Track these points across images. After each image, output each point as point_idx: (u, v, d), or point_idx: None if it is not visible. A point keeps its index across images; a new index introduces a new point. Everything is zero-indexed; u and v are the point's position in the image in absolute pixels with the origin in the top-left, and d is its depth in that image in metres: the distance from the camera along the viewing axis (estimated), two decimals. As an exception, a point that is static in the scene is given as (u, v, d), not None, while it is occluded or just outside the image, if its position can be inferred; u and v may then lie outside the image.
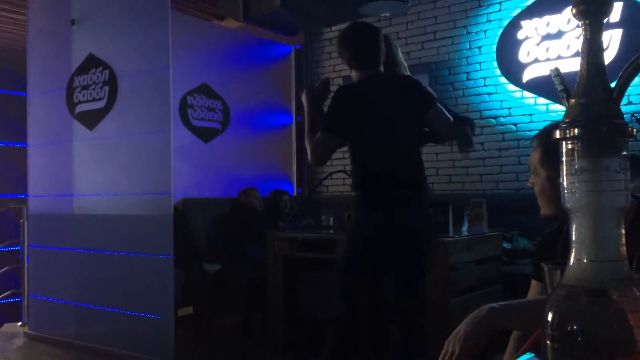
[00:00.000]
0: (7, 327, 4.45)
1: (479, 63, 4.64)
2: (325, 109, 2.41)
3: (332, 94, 2.39)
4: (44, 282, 4.23)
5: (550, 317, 0.56)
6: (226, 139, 5.03)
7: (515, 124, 4.47)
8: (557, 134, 0.56)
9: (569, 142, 0.56)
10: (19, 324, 4.43)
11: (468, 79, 4.70)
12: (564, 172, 0.56)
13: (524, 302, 0.83)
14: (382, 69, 2.39)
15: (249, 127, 5.29)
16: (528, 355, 0.74)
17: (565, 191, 0.56)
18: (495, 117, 4.55)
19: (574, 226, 0.56)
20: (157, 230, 3.54)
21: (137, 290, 3.63)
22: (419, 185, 2.33)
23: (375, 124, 2.29)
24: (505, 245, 3.64)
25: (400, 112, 2.32)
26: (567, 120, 0.57)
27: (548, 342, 0.56)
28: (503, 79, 4.50)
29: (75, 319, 3.96)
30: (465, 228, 3.28)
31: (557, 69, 0.62)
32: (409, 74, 2.60)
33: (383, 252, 2.25)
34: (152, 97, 3.62)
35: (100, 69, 3.85)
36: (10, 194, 5.30)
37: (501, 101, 4.52)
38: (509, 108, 4.49)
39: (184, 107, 4.75)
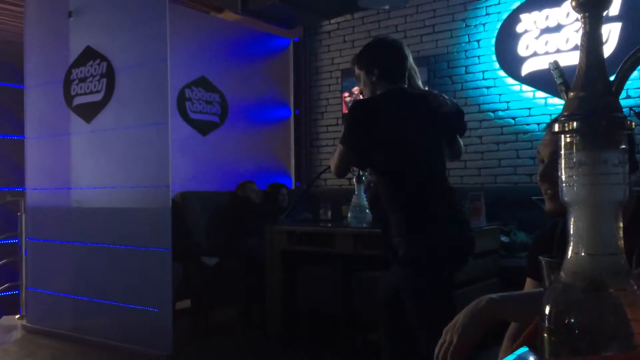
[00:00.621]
0: (5, 319, 4.46)
1: (478, 56, 4.63)
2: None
3: (352, 109, 2.32)
4: (42, 275, 4.23)
5: (547, 310, 0.56)
6: (224, 132, 5.03)
7: (513, 118, 4.47)
8: (556, 127, 0.56)
9: (568, 136, 0.56)
10: (17, 316, 4.44)
11: (467, 72, 4.69)
12: (562, 165, 0.56)
13: (522, 293, 0.83)
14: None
15: (247, 120, 5.28)
16: (523, 349, 0.74)
17: (564, 185, 0.56)
18: (493, 111, 4.55)
19: (572, 220, 0.56)
20: (155, 223, 3.54)
21: (136, 284, 3.64)
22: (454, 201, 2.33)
23: (405, 141, 2.22)
24: (503, 238, 3.65)
25: (433, 132, 2.27)
26: (565, 113, 0.57)
27: (545, 335, 0.56)
28: (502, 73, 4.49)
29: (73, 312, 3.97)
30: (463, 222, 3.28)
31: (556, 62, 0.62)
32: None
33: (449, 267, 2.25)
34: (150, 89, 3.62)
35: (97, 61, 3.84)
36: (7, 187, 5.29)
37: (500, 94, 4.52)
38: (508, 102, 4.49)
39: (182, 100, 4.73)
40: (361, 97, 2.43)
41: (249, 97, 5.28)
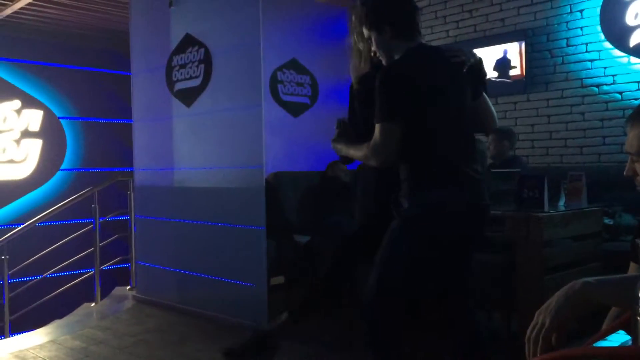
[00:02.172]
0: (118, 290, 4.86)
1: (581, 28, 4.35)
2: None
3: (381, 77, 2.02)
4: (150, 249, 4.56)
5: None
6: (315, 113, 5.10)
7: (620, 92, 4.17)
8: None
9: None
10: (128, 287, 4.82)
11: (568, 45, 4.43)
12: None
13: (619, 277, 0.80)
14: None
15: (337, 101, 5.31)
16: (618, 333, 0.73)
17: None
18: (597, 85, 4.27)
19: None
20: (250, 202, 3.69)
21: (233, 259, 3.83)
22: (478, 166, 2.15)
23: (441, 100, 2.03)
24: (607, 221, 3.45)
25: (461, 87, 2.08)
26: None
27: (638, 318, 0.55)
28: (607, 44, 4.19)
29: (177, 284, 4.25)
30: (562, 203, 3.13)
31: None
32: None
33: (467, 229, 2.07)
34: (244, 73, 3.74)
35: (196, 47, 4.02)
36: (117, 168, 5.71)
37: (605, 68, 4.23)
38: (614, 75, 4.19)
39: (274, 82, 4.86)
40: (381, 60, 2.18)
41: (339, 77, 5.30)
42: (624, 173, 1.27)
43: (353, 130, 2.46)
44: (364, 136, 2.14)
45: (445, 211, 1.98)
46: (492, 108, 2.21)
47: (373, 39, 2.14)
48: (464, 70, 2.06)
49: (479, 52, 4.78)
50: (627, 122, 1.18)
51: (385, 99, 1.98)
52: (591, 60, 4.30)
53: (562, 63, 4.45)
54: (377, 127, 1.99)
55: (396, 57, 2.08)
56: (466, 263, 2.15)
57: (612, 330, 0.81)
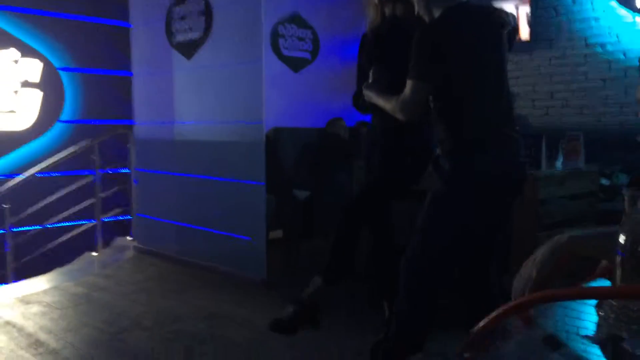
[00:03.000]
0: (119, 240, 4.94)
1: (588, -15, 4.28)
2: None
3: (418, 35, 2.00)
4: (149, 202, 4.61)
5: (622, 239, 0.58)
6: (315, 69, 5.06)
7: (624, 52, 4.14)
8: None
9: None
10: (129, 238, 4.89)
11: (574, 3, 4.36)
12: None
13: (605, 230, 0.83)
14: None
15: (339, 57, 5.26)
16: (601, 280, 0.76)
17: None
18: (602, 45, 4.23)
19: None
20: (250, 157, 3.71)
21: (232, 213, 3.88)
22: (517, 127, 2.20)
23: (480, 61, 2.03)
24: (604, 181, 3.49)
25: (500, 48, 2.07)
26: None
27: (619, 263, 0.58)
28: (613, 3, 4.14)
29: (176, 236, 4.31)
30: (559, 162, 3.16)
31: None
32: None
33: (505, 193, 2.09)
34: (245, 27, 3.70)
35: (196, -1, 3.96)
36: (117, 120, 5.70)
37: (609, 27, 4.18)
38: (618, 34, 4.15)
39: (275, 36, 4.80)
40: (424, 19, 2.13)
41: (341, 33, 5.24)
42: (638, 115, 1.28)
43: (361, 78, 2.49)
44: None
45: (489, 175, 1.99)
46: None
47: None
48: (505, 33, 2.06)
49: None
50: None
51: (419, 57, 1.98)
52: (596, 19, 4.25)
53: (567, 21, 4.39)
54: (409, 83, 2.00)
55: (436, 14, 2.05)
56: (503, 224, 2.18)
57: (594, 277, 0.84)
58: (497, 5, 2.30)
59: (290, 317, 2.61)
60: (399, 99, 2.04)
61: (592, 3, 4.26)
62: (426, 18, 2.11)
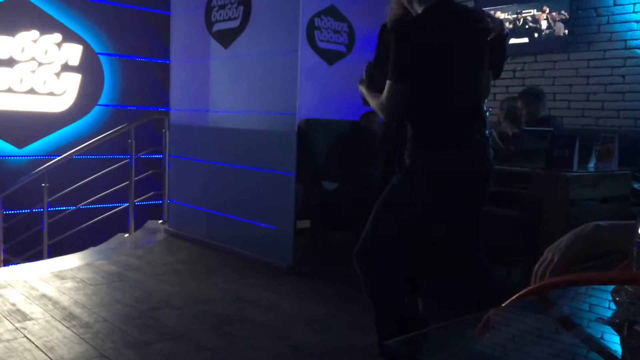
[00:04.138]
0: (151, 223, 5.06)
1: (631, -14, 4.20)
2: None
3: (395, 34, 2.02)
4: (181, 188, 4.71)
5: (640, 229, 0.60)
6: (350, 62, 5.09)
7: (665, 56, 4.06)
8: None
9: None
10: (160, 221, 5.02)
11: (615, 4, 4.28)
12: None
13: (631, 223, 0.85)
14: None
15: (374, 51, 5.27)
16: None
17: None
18: (642, 48, 4.15)
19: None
20: (281, 147, 3.77)
21: (262, 202, 3.95)
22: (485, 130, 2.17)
23: (452, 62, 2.03)
24: (636, 185, 3.43)
25: (477, 52, 2.07)
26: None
27: (635, 251, 0.61)
28: (656, 5, 4.05)
29: (207, 222, 4.41)
30: (592, 164, 3.14)
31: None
32: None
33: (467, 190, 2.13)
34: (282, 17, 3.75)
35: (236, -11, 4.03)
36: (153, 106, 5.83)
37: (651, 30, 4.10)
38: (660, 38, 4.07)
39: (311, 28, 4.84)
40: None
41: (376, 27, 5.21)
42: None
43: (379, 73, 2.48)
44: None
45: (446, 172, 2.04)
46: (490, 82, 2.22)
47: None
48: (488, 38, 2.06)
49: (523, 7, 4.67)
50: None
51: (396, 57, 1.99)
52: (637, 22, 4.17)
53: (607, 23, 4.32)
54: (387, 84, 2.03)
55: (416, 12, 2.08)
56: (469, 218, 2.20)
57: (623, 268, 0.86)
58: (485, 11, 2.27)
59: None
60: (379, 100, 2.08)
61: (634, 5, 4.18)
62: (413, 12, 2.12)
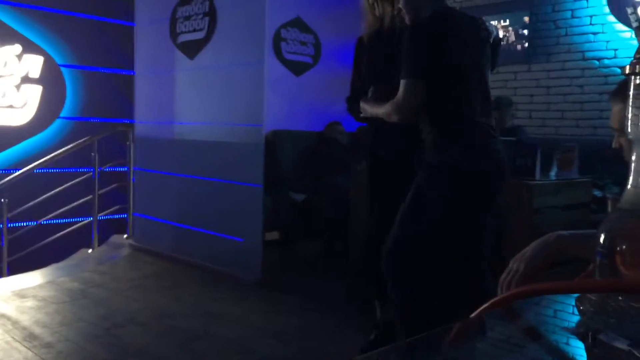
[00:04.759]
0: (115, 238, 4.95)
1: (587, 0, 4.34)
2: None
3: (411, 33, 2.03)
4: (147, 201, 4.63)
5: (602, 237, 0.61)
6: (316, 73, 5.11)
7: (621, 67, 4.20)
8: (627, 69, 0.60)
9: (638, 77, 0.60)
10: (125, 236, 4.91)
11: (573, 17, 4.42)
12: (630, 105, 0.60)
13: (590, 232, 0.87)
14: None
15: (340, 61, 5.30)
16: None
17: (630, 123, 0.60)
18: (599, 59, 4.29)
19: (634, 156, 0.60)
20: (248, 159, 3.75)
21: (229, 214, 3.91)
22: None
23: (467, 61, 2.08)
24: (597, 193, 3.53)
25: (483, 53, 2.14)
26: (637, 55, 0.60)
27: (597, 260, 0.61)
28: (612, 18, 4.20)
29: (173, 236, 4.34)
30: (553, 173, 3.21)
31: (634, 7, 0.64)
32: None
33: (486, 187, 2.13)
34: (248, 29, 3.74)
35: (201, 0, 4.00)
36: (117, 119, 5.73)
37: (607, 41, 4.25)
38: (615, 49, 4.21)
39: (277, 40, 4.85)
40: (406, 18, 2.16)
41: (342, 38, 5.27)
42: (612, 145, 1.33)
43: (360, 85, 2.49)
44: (364, 90, 2.22)
45: (470, 168, 2.03)
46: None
47: None
48: (488, 42, 2.13)
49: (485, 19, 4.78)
50: (610, 97, 1.23)
51: (412, 54, 1.99)
52: (594, 33, 4.31)
53: (566, 35, 4.46)
54: (402, 83, 2.01)
55: (423, 15, 2.08)
56: (483, 221, 2.19)
57: (586, 276, 0.88)
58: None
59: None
60: (393, 101, 2.05)
61: (590, 18, 4.32)
62: (408, 19, 2.14)
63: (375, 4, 2.38)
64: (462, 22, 2.13)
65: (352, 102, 2.52)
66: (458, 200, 2.04)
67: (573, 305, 0.69)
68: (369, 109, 2.29)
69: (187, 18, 4.10)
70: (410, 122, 2.10)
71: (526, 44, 4.59)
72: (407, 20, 2.15)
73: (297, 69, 5.01)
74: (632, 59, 0.60)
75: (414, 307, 2.08)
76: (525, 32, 4.58)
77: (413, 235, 2.06)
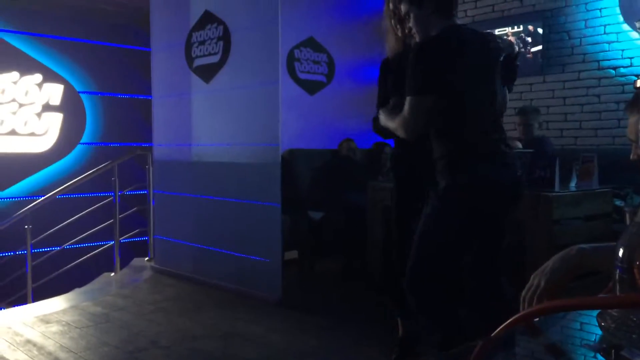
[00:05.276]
0: (136, 261, 4.99)
1: (600, 9, 4.32)
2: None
3: (416, 51, 2.04)
4: (167, 223, 4.67)
5: (621, 251, 0.61)
6: (330, 91, 5.15)
7: (637, 75, 4.16)
8: (637, 84, 0.60)
9: (650, 91, 0.60)
10: (146, 259, 4.95)
11: (586, 27, 4.41)
12: (643, 118, 0.60)
13: (612, 245, 0.87)
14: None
15: (353, 79, 5.35)
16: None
17: (642, 137, 0.60)
18: (614, 68, 4.26)
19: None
20: (266, 179, 3.77)
21: (248, 234, 3.92)
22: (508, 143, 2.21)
23: (476, 79, 2.06)
24: (618, 202, 3.48)
25: (493, 71, 2.11)
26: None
27: (617, 274, 0.61)
28: (626, 26, 4.17)
29: (193, 257, 4.36)
30: (573, 184, 3.18)
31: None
32: None
33: (502, 207, 2.11)
34: (262, 51, 3.79)
35: (215, 24, 4.07)
36: (136, 142, 5.81)
37: (622, 50, 4.22)
38: (631, 58, 4.18)
39: (291, 60, 4.90)
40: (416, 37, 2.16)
41: (355, 56, 5.33)
42: (630, 157, 1.32)
43: (382, 104, 2.49)
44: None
45: (485, 186, 2.01)
46: (506, 95, 2.26)
47: (412, 15, 2.13)
48: (500, 59, 2.11)
49: (498, 31, 4.78)
50: (626, 109, 1.22)
51: (418, 72, 1.99)
52: (609, 43, 4.29)
53: (580, 45, 4.44)
54: (407, 100, 2.02)
55: (432, 33, 2.08)
56: (500, 238, 2.17)
57: (607, 291, 0.87)
58: (494, 33, 2.34)
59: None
60: (400, 116, 2.06)
61: (604, 27, 4.30)
62: (418, 37, 2.14)
63: (398, 25, 2.39)
64: (471, 39, 2.11)
65: (378, 123, 2.51)
66: (473, 218, 2.02)
67: (595, 325, 0.69)
68: (383, 119, 2.28)
69: (202, 43, 4.17)
70: (415, 139, 2.10)
71: (540, 56, 4.58)
72: (417, 39, 2.16)
73: (311, 88, 5.06)
74: (643, 73, 0.61)
75: (444, 328, 2.07)
76: (539, 43, 4.57)
77: (431, 258, 2.05)
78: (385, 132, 2.39)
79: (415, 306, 2.09)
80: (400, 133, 2.09)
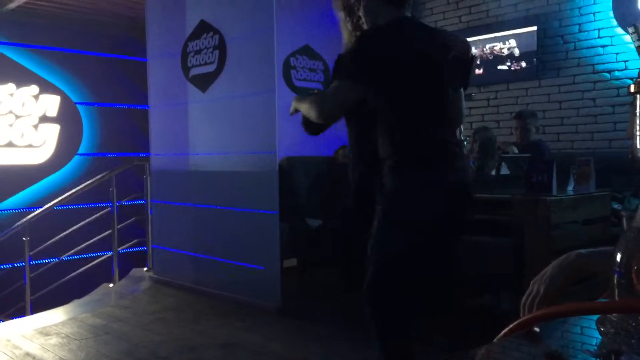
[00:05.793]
0: (135, 271, 4.98)
1: (593, 13, 4.35)
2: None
3: (358, 38, 1.96)
4: (166, 233, 4.66)
5: (618, 256, 0.61)
6: (327, 99, 5.15)
7: (632, 78, 4.16)
8: (632, 88, 0.61)
9: (643, 96, 0.60)
10: (145, 269, 4.94)
11: (580, 31, 4.43)
12: (637, 123, 0.61)
13: (610, 249, 0.87)
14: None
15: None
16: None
17: (637, 140, 0.61)
18: (609, 71, 4.28)
19: (645, 174, 0.61)
20: (263, 187, 3.77)
21: (246, 243, 3.92)
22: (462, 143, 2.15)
23: (422, 76, 1.93)
24: (616, 206, 3.48)
25: (442, 68, 1.98)
26: (642, 75, 0.61)
27: (615, 278, 0.61)
28: (620, 30, 4.19)
29: (192, 267, 4.35)
30: (570, 187, 3.18)
31: (635, 26, 0.65)
32: None
33: (451, 209, 2.02)
34: (258, 59, 3.80)
35: (210, 34, 4.09)
36: (134, 153, 5.81)
37: (617, 54, 4.24)
38: (626, 61, 4.20)
39: (287, 68, 4.91)
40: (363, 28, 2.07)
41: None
42: (629, 156, 1.32)
43: None
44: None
45: (432, 190, 1.93)
46: (463, 106, 2.16)
47: (362, 4, 2.05)
48: (449, 57, 1.98)
49: (492, 36, 4.80)
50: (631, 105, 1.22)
51: (353, 59, 1.91)
52: (603, 46, 4.31)
53: (574, 49, 4.46)
54: (335, 82, 1.95)
55: (381, 23, 2.00)
56: (453, 246, 2.11)
57: (607, 295, 0.87)
58: (450, 31, 2.22)
59: None
60: (318, 94, 2.00)
61: (598, 31, 4.33)
62: (366, 26, 2.06)
63: (348, 17, 2.24)
64: (419, 33, 2.01)
65: (306, 119, 2.29)
66: (422, 223, 1.94)
67: (594, 329, 0.69)
68: (295, 103, 2.16)
69: (198, 52, 4.18)
70: (324, 122, 2.02)
71: (535, 60, 4.60)
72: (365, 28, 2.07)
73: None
74: (637, 77, 0.61)
75: (393, 331, 1.99)
76: (534, 48, 4.59)
77: (385, 266, 1.95)
78: (307, 124, 2.24)
79: (372, 315, 1.99)
80: (312, 114, 1.99)
